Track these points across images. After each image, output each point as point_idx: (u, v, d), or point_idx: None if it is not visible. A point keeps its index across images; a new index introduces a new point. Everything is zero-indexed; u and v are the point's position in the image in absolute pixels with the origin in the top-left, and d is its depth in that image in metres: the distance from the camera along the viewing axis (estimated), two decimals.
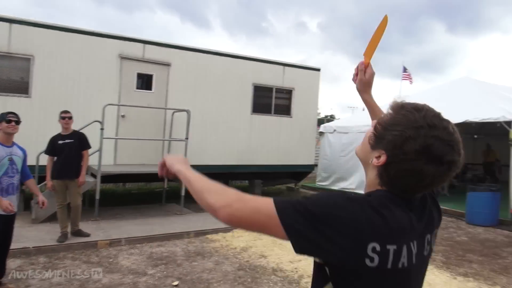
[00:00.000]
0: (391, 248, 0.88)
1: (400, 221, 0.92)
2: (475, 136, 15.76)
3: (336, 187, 11.76)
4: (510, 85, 14.62)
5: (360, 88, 1.49)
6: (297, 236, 0.87)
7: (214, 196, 0.98)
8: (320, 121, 15.03)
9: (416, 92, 14.66)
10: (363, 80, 1.46)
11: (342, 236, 0.85)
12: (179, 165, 1.18)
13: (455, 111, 9.50)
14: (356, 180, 11.33)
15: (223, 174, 9.45)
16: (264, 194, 9.99)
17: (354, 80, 1.50)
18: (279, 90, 9.92)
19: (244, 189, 10.12)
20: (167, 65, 8.33)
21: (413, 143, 0.91)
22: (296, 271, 4.58)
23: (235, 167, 9.25)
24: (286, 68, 10.01)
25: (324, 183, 12.32)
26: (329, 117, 31.92)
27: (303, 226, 0.86)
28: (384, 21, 1.43)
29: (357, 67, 1.47)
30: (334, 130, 12.34)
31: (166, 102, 8.32)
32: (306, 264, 4.76)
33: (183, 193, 6.96)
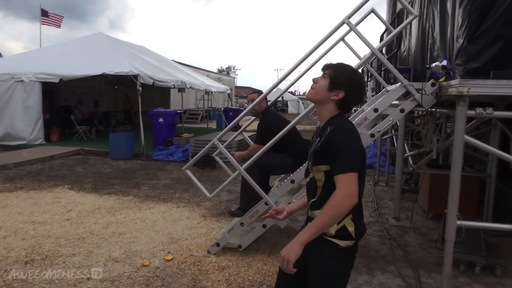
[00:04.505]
0: None
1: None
2: (116, 87, 17.82)
3: None
4: (136, 43, 17.39)
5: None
6: None
7: (334, 212, 1.57)
8: None
9: (57, 43, 14.69)
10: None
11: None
12: (296, 248, 1.58)
13: (93, 64, 10.69)
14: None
15: None
16: None
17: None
18: None
19: None
20: None
21: (355, 80, 1.76)
22: None
23: None
24: None
25: None
26: None
27: None
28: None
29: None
30: None
31: None
32: None
33: None
